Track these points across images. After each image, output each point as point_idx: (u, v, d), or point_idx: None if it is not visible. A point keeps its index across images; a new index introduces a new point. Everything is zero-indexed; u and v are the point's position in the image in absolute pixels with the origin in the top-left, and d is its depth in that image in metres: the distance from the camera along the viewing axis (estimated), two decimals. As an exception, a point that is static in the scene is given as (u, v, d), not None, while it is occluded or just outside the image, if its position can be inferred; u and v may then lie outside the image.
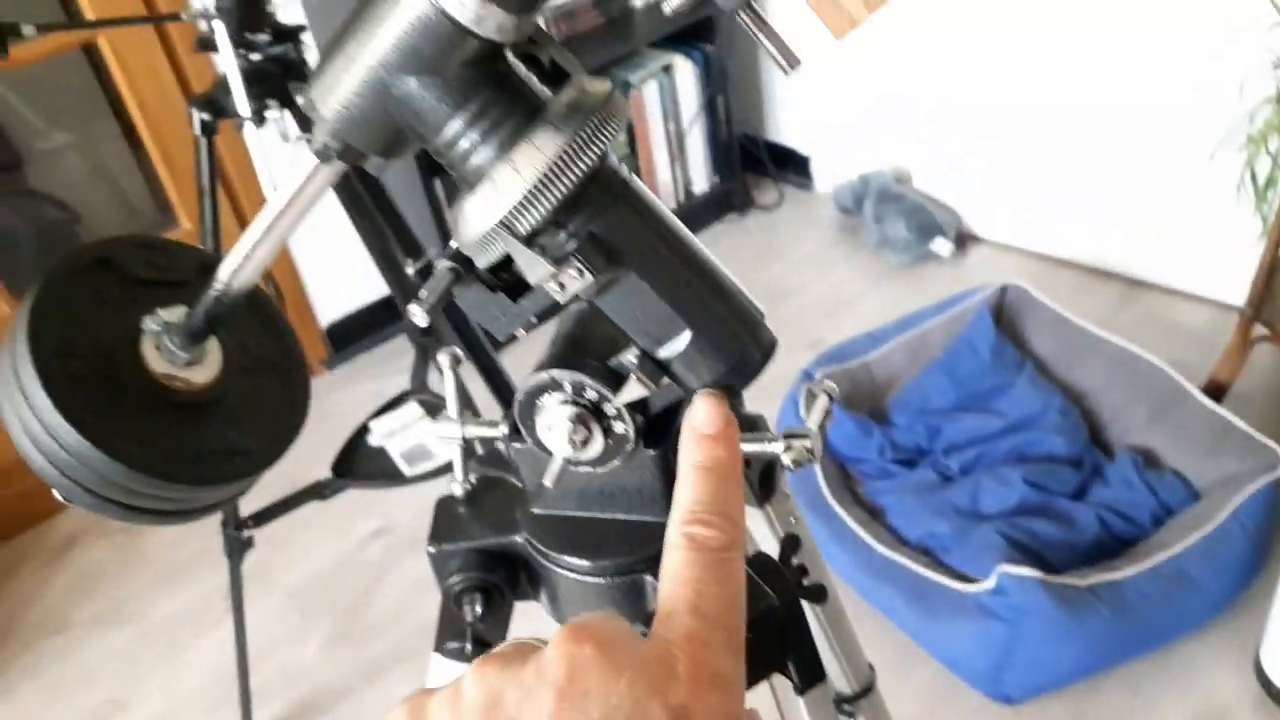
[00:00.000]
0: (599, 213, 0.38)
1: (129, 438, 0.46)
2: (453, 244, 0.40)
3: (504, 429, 0.46)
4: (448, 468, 1.63)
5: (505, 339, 0.42)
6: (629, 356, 0.41)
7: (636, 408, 0.43)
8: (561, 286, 0.37)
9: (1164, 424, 1.79)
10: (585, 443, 0.42)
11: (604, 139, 0.36)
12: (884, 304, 2.35)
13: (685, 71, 2.60)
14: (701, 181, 2.78)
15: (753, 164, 2.88)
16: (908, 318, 2.07)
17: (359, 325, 2.52)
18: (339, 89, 0.36)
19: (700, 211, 2.78)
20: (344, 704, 1.72)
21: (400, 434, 1.65)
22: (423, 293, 0.38)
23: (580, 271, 0.37)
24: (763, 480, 0.54)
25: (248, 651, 1.60)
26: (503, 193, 0.36)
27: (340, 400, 2.37)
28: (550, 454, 0.43)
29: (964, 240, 2.53)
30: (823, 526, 1.73)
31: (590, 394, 0.42)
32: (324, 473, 1.58)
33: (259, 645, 1.78)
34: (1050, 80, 2.22)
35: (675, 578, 0.33)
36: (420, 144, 0.38)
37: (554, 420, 0.42)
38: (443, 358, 0.48)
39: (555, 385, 0.42)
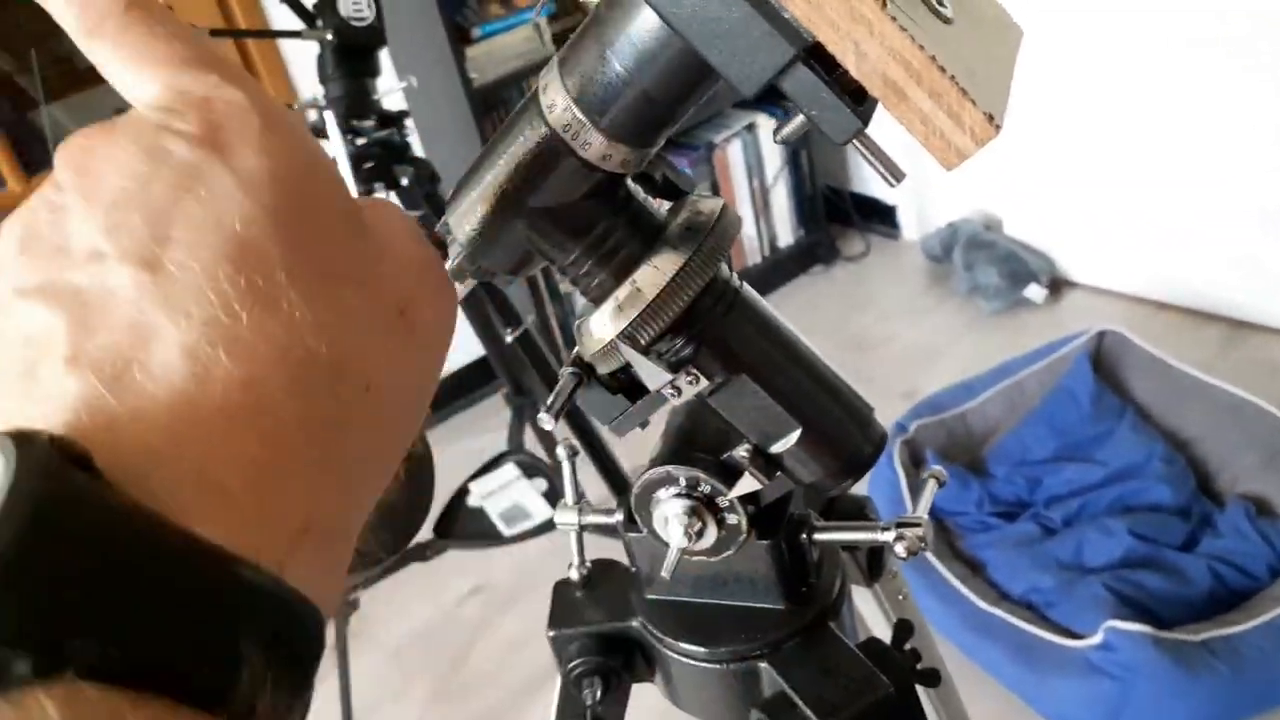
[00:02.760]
0: (713, 322, 0.40)
1: None
2: (576, 351, 0.42)
3: (620, 516, 0.49)
4: (545, 527, 1.67)
5: (623, 436, 0.44)
6: (741, 452, 0.43)
7: (748, 499, 0.44)
8: (678, 391, 0.40)
9: (1275, 470, 1.73)
10: (700, 533, 0.44)
11: (718, 259, 0.38)
12: (977, 353, 2.32)
13: (768, 129, 2.63)
14: (787, 235, 2.80)
15: (838, 215, 2.89)
16: (1003, 366, 2.04)
17: (456, 385, 2.59)
18: (472, 217, 0.39)
19: (786, 264, 2.79)
20: (447, 762, 1.75)
21: (498, 494, 1.70)
22: (550, 399, 0.41)
23: (695, 379, 0.39)
24: (870, 560, 0.56)
25: (353, 710, 1.64)
26: (625, 309, 0.38)
27: (438, 460, 2.43)
28: (665, 544, 0.45)
29: (1058, 285, 2.49)
30: (921, 580, 1.71)
31: (704, 488, 0.44)
32: (424, 533, 1.62)
33: (362, 704, 1.83)
34: (1143, 118, 2.19)
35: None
36: (547, 263, 0.41)
37: (669, 513, 0.44)
38: (561, 451, 0.50)
39: (670, 480, 0.44)
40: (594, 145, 0.35)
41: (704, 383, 0.39)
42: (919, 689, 0.52)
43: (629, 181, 0.40)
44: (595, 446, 1.46)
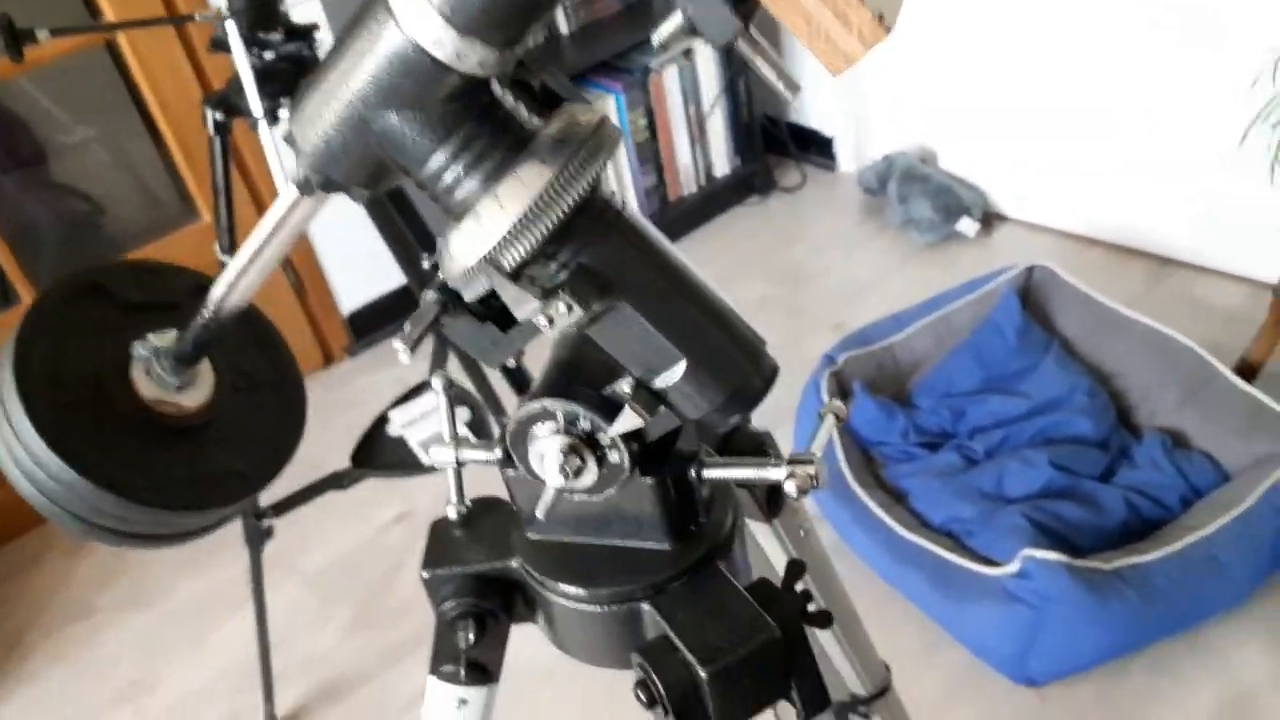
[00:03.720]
0: (589, 244, 0.37)
1: (118, 466, 0.46)
2: (440, 275, 0.39)
3: (498, 454, 0.46)
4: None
5: (495, 368, 0.41)
6: (623, 386, 0.40)
7: (632, 436, 0.42)
8: (550, 321, 0.37)
9: (1194, 405, 1.76)
10: (578, 472, 0.42)
11: (593, 171, 0.35)
12: (909, 286, 2.32)
13: (705, 55, 2.57)
14: (723, 164, 2.75)
15: (775, 146, 2.85)
16: (933, 300, 2.04)
17: (381, 312, 2.53)
18: (318, 123, 0.35)
19: (722, 194, 2.75)
20: (365, 688, 1.74)
21: (420, 423, 1.65)
22: (406, 326, 0.38)
23: (569, 306, 0.36)
24: (770, 497, 0.54)
25: (269, 636, 1.62)
26: (487, 228, 0.35)
27: (363, 387, 2.38)
28: (543, 482, 0.43)
29: (990, 220, 2.49)
30: (845, 510, 1.72)
31: (583, 424, 0.41)
32: (346, 460, 1.58)
33: (281, 630, 1.81)
34: (1077, 56, 2.18)
35: None
36: (404, 176, 0.37)
37: (546, 450, 0.42)
38: (436, 381, 0.47)
39: (547, 415, 0.41)
40: (446, 43, 0.32)
41: (579, 312, 0.36)
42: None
43: (496, 87, 0.36)
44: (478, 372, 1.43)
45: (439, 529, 0.49)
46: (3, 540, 2.20)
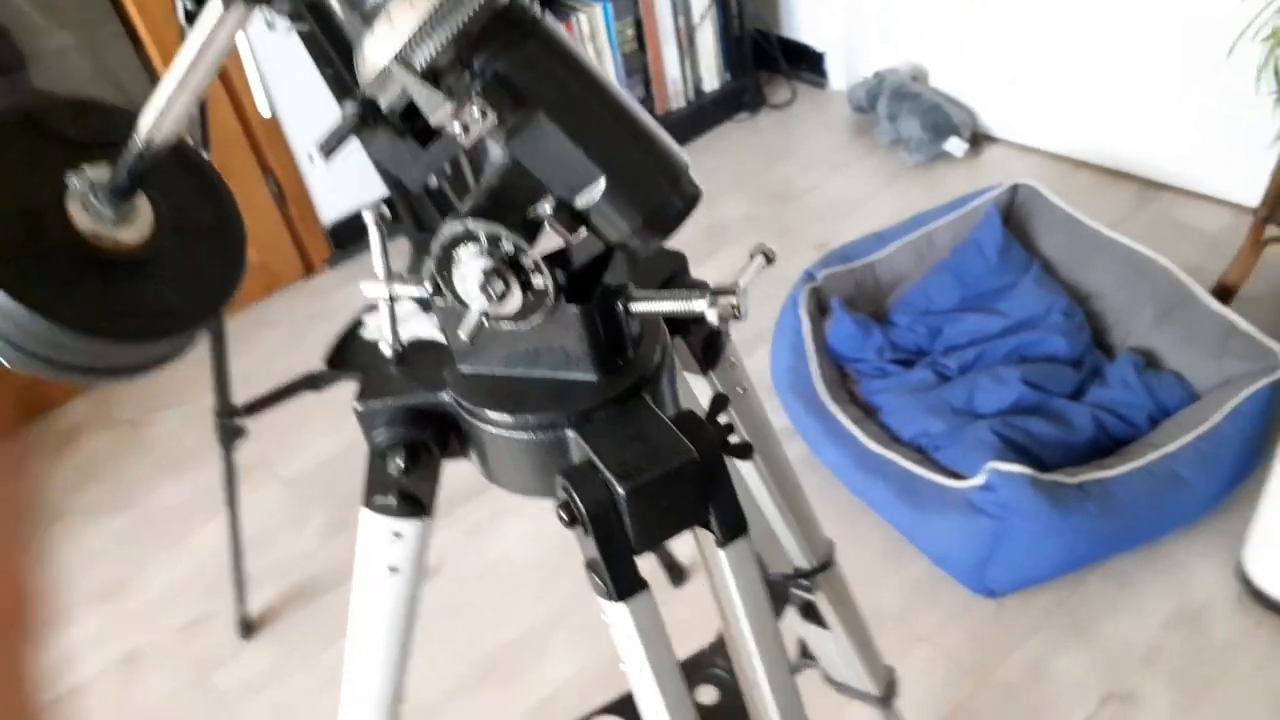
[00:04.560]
0: (505, 51, 0.37)
1: (53, 294, 0.46)
2: (360, 88, 0.39)
3: (427, 286, 0.46)
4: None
5: (417, 189, 0.41)
6: (545, 207, 0.40)
7: (558, 262, 0.42)
8: (465, 129, 0.36)
9: (1169, 326, 1.77)
10: (502, 296, 0.42)
11: (504, -31, 0.35)
12: (895, 204, 2.31)
13: (697, -39, 2.52)
14: (712, 79, 2.72)
15: (766, 61, 2.81)
16: (915, 218, 2.03)
17: (362, 225, 2.51)
18: None
19: (711, 109, 2.72)
20: (340, 589, 1.77)
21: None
22: (324, 137, 0.38)
23: (483, 112, 0.36)
24: (705, 347, 0.54)
25: (243, 538, 1.64)
26: (398, 27, 0.35)
27: (342, 298, 2.38)
28: (468, 308, 0.43)
29: (979, 140, 2.47)
30: (817, 424, 1.73)
31: (506, 245, 0.41)
32: (315, 364, 1.58)
33: (259, 534, 1.83)
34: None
35: None
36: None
37: (469, 272, 0.42)
38: (368, 215, 0.47)
39: (469, 236, 0.41)
40: None
41: (493, 119, 0.36)
42: (759, 487, 0.51)
43: None
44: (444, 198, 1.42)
45: (372, 364, 0.50)
46: (-15, 441, 2.22)
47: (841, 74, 2.74)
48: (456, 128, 0.36)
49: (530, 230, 0.41)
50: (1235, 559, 1.50)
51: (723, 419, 0.45)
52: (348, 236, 2.52)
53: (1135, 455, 1.53)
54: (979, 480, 1.51)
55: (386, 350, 0.50)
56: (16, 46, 2.64)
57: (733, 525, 0.44)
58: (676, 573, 1.61)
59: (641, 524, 0.42)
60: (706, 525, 0.45)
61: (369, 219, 0.48)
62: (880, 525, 1.65)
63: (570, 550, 0.44)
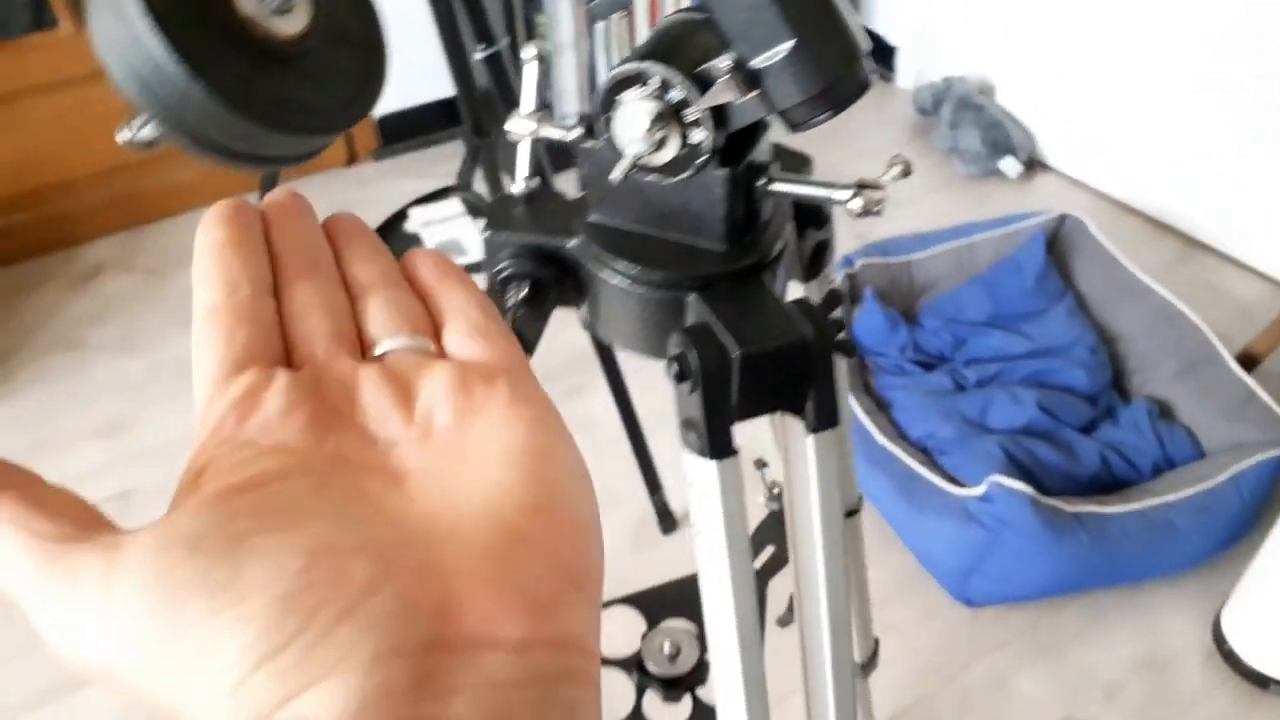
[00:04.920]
0: None
1: (211, 62, 0.46)
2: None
3: (579, 131, 0.46)
4: (478, 266, 1.65)
5: (602, 18, 0.41)
6: (724, 61, 0.40)
7: (718, 121, 0.42)
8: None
9: (1188, 381, 1.78)
10: (661, 143, 0.42)
11: None
12: (939, 210, 2.31)
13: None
14: (783, 53, 2.71)
15: (838, 46, 2.80)
16: (961, 227, 2.04)
17: (413, 122, 2.50)
18: None
19: (775, 84, 2.71)
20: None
21: (438, 225, 1.66)
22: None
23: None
24: (814, 255, 0.54)
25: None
26: None
27: (383, 191, 2.37)
28: (621, 154, 0.43)
29: (1033, 165, 2.47)
30: (830, 406, 1.74)
31: (676, 93, 0.41)
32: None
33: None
34: (1148, 26, 2.14)
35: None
36: None
37: (634, 115, 0.42)
38: (528, 50, 0.47)
39: (642, 77, 0.42)
40: None
41: (703, -44, 0.37)
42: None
43: None
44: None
45: (502, 201, 0.50)
46: (7, 261, 2.21)
47: (910, 73, 2.73)
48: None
49: (701, 81, 0.41)
50: (1213, 616, 1.52)
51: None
52: (396, 132, 2.51)
53: (1135, 498, 1.55)
54: (979, 490, 1.52)
55: (520, 186, 0.50)
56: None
57: (827, 415, 0.44)
58: (668, 521, 1.63)
59: (746, 392, 0.43)
60: (798, 411, 0.45)
61: (529, 52, 0.48)
62: (873, 515, 1.66)
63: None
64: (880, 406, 1.79)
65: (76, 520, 0.24)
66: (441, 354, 0.29)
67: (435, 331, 0.30)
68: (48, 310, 2.09)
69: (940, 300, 1.98)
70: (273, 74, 0.52)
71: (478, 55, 1.37)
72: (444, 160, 2.42)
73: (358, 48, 0.56)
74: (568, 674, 0.23)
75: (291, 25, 0.52)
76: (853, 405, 1.72)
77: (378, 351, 0.28)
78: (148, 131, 0.50)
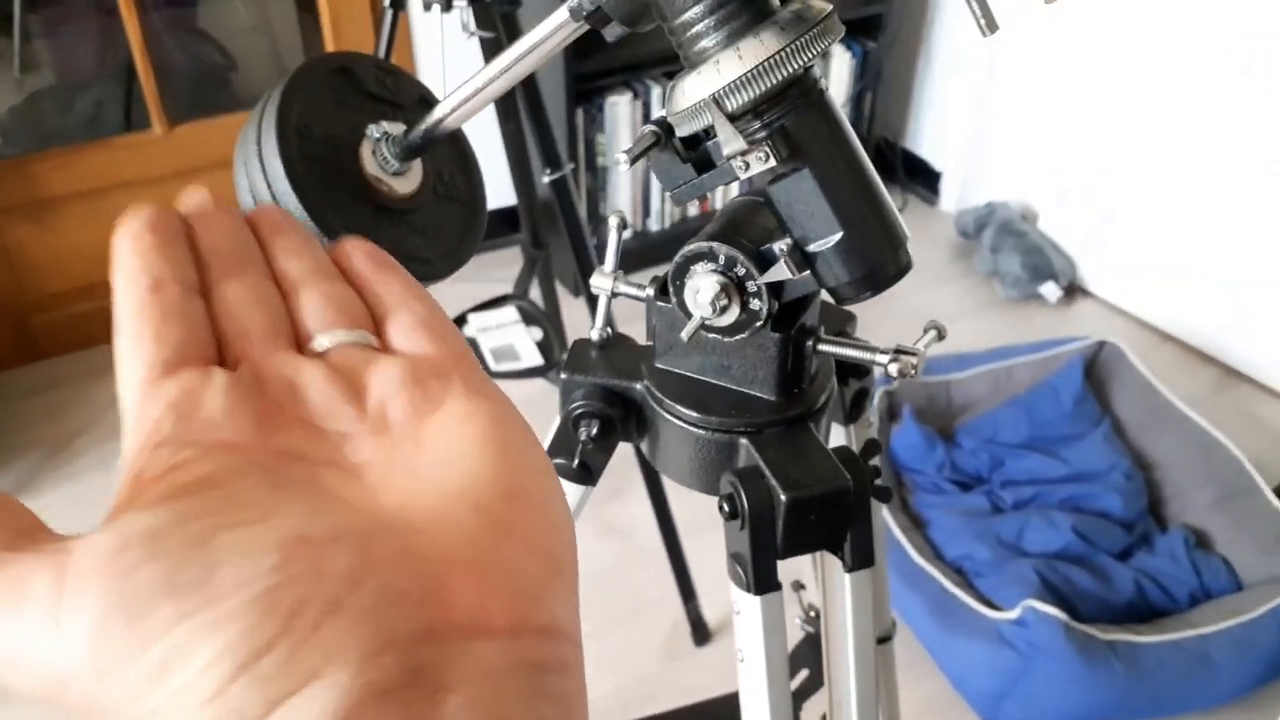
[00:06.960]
0: (794, 111, 0.44)
1: (336, 214, 0.54)
2: (661, 114, 0.46)
3: (651, 291, 0.53)
4: (531, 372, 1.72)
5: (680, 204, 0.48)
6: (780, 244, 0.47)
7: (774, 293, 0.49)
8: (746, 165, 0.44)
9: (1225, 511, 1.80)
10: (724, 310, 0.49)
11: (817, 48, 0.42)
12: (978, 332, 2.36)
13: (841, 62, 2.63)
14: (831, 173, 2.81)
15: (884, 168, 2.90)
16: (1000, 349, 2.09)
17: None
18: None
19: (822, 202, 2.80)
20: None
21: (494, 331, 1.74)
22: (630, 147, 0.45)
23: (766, 155, 0.43)
24: (854, 401, 0.60)
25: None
26: (724, 73, 0.42)
27: (440, 291, 2.45)
28: (690, 315, 0.50)
29: (1074, 291, 2.53)
30: (866, 521, 1.77)
31: (739, 269, 0.48)
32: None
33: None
34: (1187, 151, 2.21)
35: None
36: (659, 20, 0.44)
37: (702, 285, 0.49)
38: (612, 219, 0.54)
39: (711, 255, 0.48)
40: None
41: (771, 162, 0.43)
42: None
43: None
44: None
45: (579, 346, 0.57)
46: (75, 347, 2.33)
47: (954, 198, 2.82)
48: (740, 163, 0.43)
49: (761, 260, 0.48)
50: (1250, 751, 1.51)
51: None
52: (456, 239, 2.62)
53: (1170, 628, 1.56)
54: (1014, 614, 1.54)
55: (595, 335, 0.56)
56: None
57: (864, 555, 0.50)
58: (702, 632, 1.66)
59: (790, 532, 0.48)
60: (837, 550, 0.51)
61: (613, 221, 0.55)
62: (906, 634, 1.68)
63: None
64: (916, 524, 1.82)
65: (14, 528, 0.22)
66: (385, 348, 0.28)
67: (374, 325, 0.29)
68: (111, 396, 2.18)
69: (978, 421, 2.02)
70: (388, 226, 0.60)
71: (545, 179, 1.46)
72: (499, 265, 2.51)
73: (461, 205, 0.64)
74: (557, 663, 0.22)
75: (407, 185, 0.60)
76: (889, 522, 1.75)
77: (317, 347, 0.28)
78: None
